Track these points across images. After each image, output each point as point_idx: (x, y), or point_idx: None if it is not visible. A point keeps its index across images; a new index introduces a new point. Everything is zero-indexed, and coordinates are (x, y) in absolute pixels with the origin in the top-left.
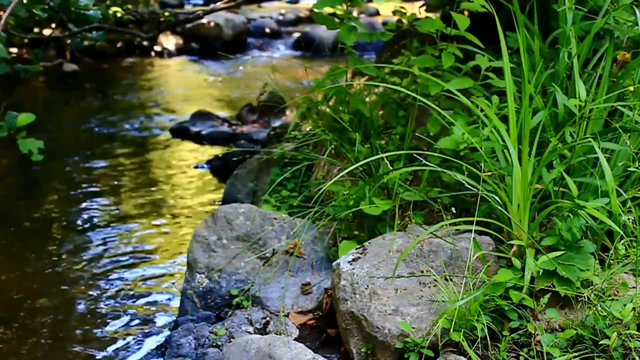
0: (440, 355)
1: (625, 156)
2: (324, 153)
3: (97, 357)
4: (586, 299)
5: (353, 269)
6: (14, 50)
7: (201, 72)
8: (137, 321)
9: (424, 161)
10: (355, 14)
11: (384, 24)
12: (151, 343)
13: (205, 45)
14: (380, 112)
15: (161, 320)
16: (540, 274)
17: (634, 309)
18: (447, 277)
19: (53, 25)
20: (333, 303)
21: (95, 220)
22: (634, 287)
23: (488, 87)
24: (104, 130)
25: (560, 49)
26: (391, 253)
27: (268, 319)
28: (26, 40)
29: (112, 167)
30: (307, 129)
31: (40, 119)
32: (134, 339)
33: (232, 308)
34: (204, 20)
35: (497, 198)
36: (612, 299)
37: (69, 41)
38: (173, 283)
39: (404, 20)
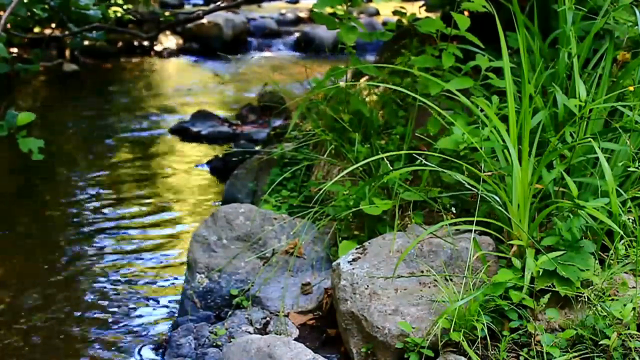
0: (440, 355)
1: (625, 156)
2: (324, 153)
3: (96, 357)
4: (586, 299)
5: (353, 269)
6: (14, 50)
7: (201, 72)
8: (137, 321)
9: (424, 161)
10: (355, 14)
11: (384, 24)
12: (151, 343)
13: (205, 45)
14: (380, 112)
15: (161, 320)
16: (540, 274)
17: (634, 309)
18: (447, 277)
19: (53, 25)
20: (333, 303)
21: (95, 220)
22: (634, 287)
23: (488, 87)
24: (104, 130)
25: (560, 49)
26: (391, 253)
27: (268, 319)
28: (26, 40)
29: (111, 167)
30: (307, 129)
31: (40, 119)
32: (134, 338)
33: (232, 308)
34: (204, 20)
35: (497, 198)
36: (612, 299)
37: (69, 41)
38: (173, 283)
39: (404, 20)
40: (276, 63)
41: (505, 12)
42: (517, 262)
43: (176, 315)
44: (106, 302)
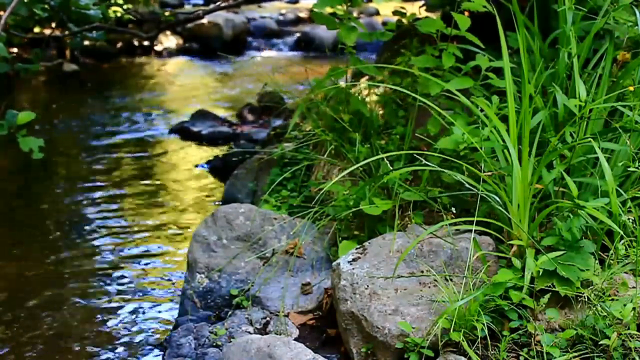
0: (440, 355)
1: (625, 156)
2: (324, 153)
3: (96, 357)
4: (586, 299)
5: (353, 269)
6: (14, 50)
7: (201, 72)
8: (137, 321)
9: (424, 161)
10: (355, 14)
11: (384, 24)
12: (151, 343)
13: (205, 45)
14: (380, 112)
15: (161, 320)
16: (540, 274)
17: (634, 309)
18: (447, 277)
19: (53, 25)
20: (333, 303)
21: (95, 220)
22: (634, 287)
23: (488, 87)
24: (104, 130)
25: (560, 49)
26: (391, 253)
27: (268, 319)
28: (26, 40)
29: (111, 167)
30: (307, 129)
31: (40, 119)
32: (133, 339)
33: (232, 308)
34: (204, 20)
35: (497, 198)
36: (612, 299)
37: (69, 41)
38: (173, 283)
39: (404, 20)
40: (276, 63)
41: (505, 12)
42: (517, 262)
43: (176, 315)
44: (106, 302)
